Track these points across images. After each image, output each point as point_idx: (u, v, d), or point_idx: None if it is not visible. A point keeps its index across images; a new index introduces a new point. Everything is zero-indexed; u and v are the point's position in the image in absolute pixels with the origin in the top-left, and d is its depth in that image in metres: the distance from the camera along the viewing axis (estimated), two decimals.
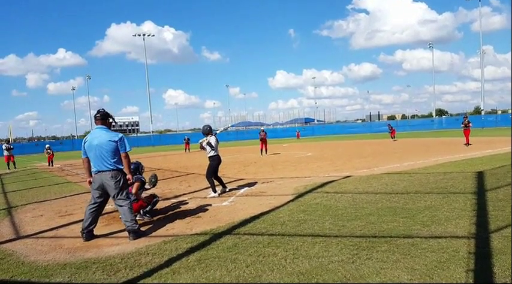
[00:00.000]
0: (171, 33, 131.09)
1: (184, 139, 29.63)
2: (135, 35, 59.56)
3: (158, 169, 13.89)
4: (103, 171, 4.69)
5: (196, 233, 4.65)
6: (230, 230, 4.68)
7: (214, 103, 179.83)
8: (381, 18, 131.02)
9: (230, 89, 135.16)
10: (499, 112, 68.37)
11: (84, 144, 4.81)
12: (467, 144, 16.47)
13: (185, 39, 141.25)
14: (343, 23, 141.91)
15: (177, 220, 5.50)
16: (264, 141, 18.67)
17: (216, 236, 4.46)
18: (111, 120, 4.95)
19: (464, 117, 18.33)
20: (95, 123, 4.90)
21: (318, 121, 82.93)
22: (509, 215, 4.50)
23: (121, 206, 4.73)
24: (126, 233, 4.70)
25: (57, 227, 5.56)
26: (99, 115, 4.85)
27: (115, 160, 4.72)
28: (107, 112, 4.90)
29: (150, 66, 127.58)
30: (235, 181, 9.47)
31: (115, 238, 4.77)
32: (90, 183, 4.86)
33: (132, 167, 5.25)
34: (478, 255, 3.35)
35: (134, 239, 4.56)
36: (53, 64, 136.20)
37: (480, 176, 7.67)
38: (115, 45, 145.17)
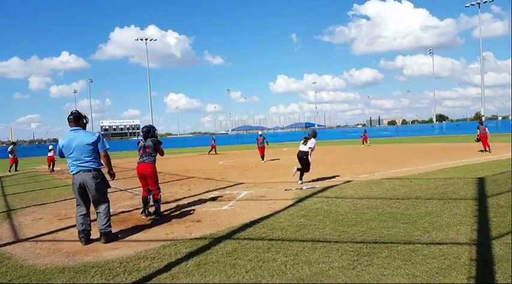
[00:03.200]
0: (175, 37, 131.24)
1: (213, 140, 28.25)
2: (137, 40, 59.66)
3: (159, 173, 13.84)
4: (83, 171, 4.66)
5: (196, 238, 4.63)
6: (230, 235, 4.66)
7: (215, 107, 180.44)
8: (382, 24, 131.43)
9: (231, 93, 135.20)
10: (500, 118, 68.31)
11: (62, 147, 4.75)
12: (486, 149, 15.58)
13: (188, 44, 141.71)
14: (345, 29, 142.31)
15: (177, 224, 5.48)
16: (261, 148, 17.14)
17: (216, 240, 4.44)
18: (85, 121, 4.92)
19: (480, 122, 16.73)
20: (69, 125, 4.80)
21: (318, 125, 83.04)
22: (511, 222, 4.47)
23: (99, 206, 4.75)
24: (125, 237, 4.68)
25: (56, 230, 5.54)
26: (72, 117, 4.78)
27: (95, 159, 4.73)
28: (80, 113, 4.87)
29: (152, 70, 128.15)
30: (235, 185, 9.45)
31: (114, 242, 4.75)
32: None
33: (144, 130, 5.91)
34: (480, 262, 3.32)
35: (107, 242, 4.59)
36: (56, 67, 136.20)
37: (481, 182, 7.65)
38: (118, 49, 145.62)
